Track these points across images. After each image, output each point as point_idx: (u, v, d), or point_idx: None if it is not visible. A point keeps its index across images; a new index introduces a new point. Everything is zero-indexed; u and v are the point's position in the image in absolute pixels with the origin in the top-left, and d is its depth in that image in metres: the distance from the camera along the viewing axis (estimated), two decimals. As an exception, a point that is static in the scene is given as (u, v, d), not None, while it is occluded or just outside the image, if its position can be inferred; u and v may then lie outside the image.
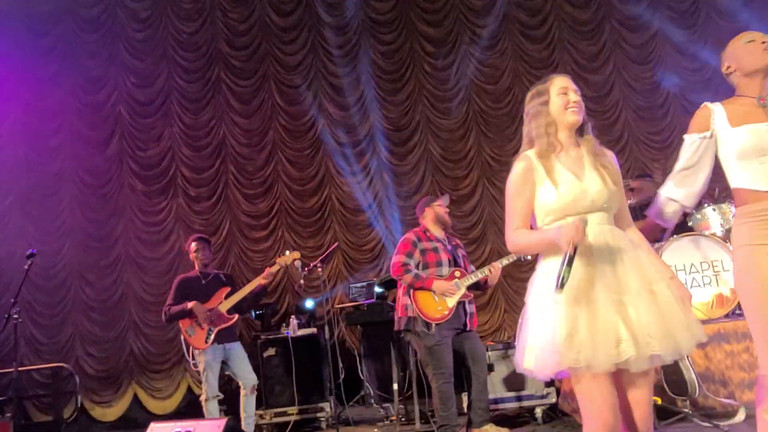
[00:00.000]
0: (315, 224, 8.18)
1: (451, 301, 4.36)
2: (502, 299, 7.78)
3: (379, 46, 8.46)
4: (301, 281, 5.93)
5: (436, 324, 4.32)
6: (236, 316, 4.97)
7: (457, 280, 4.40)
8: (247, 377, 4.95)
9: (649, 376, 2.12)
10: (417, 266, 4.48)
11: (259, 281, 4.96)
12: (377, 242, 7.99)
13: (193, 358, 4.94)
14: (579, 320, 1.99)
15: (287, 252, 5.12)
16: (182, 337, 4.98)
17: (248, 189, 8.24)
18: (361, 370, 6.11)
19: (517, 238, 2.22)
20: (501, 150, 8.19)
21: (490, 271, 4.41)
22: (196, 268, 5.19)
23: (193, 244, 5.19)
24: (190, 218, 8.12)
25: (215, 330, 4.87)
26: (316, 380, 5.84)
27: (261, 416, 5.80)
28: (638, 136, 8.08)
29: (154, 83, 8.31)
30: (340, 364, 6.17)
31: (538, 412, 4.72)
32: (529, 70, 8.29)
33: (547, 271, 2.15)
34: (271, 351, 5.80)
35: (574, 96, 2.31)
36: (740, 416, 3.90)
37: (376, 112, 8.34)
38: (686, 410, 3.96)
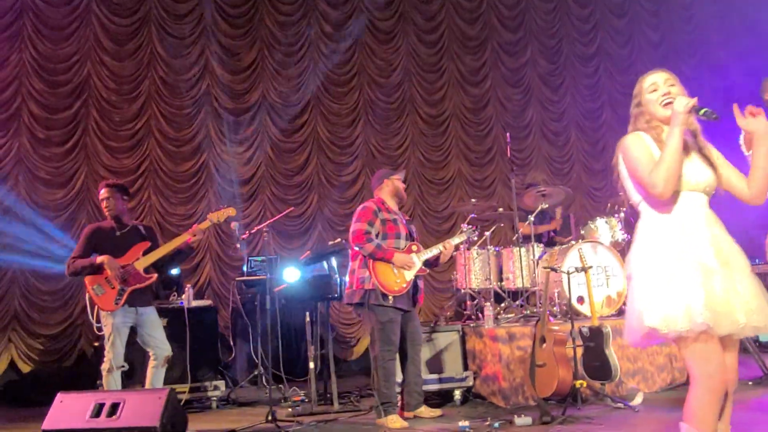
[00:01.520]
0: (188, 190, 7.52)
1: (409, 275, 4.37)
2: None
3: (278, 15, 8.11)
4: (238, 245, 5.39)
5: (393, 297, 4.30)
6: (154, 276, 4.37)
7: (414, 254, 4.44)
8: (160, 346, 4.38)
9: (737, 346, 2.42)
10: (376, 236, 4.43)
11: (184, 238, 4.41)
12: (254, 218, 7.61)
13: (98, 321, 4.23)
14: (714, 286, 2.21)
15: (221, 208, 4.61)
16: (87, 296, 4.24)
17: (113, 141, 7.28)
18: (254, 349, 5.76)
19: (656, 171, 2.31)
20: (386, 143, 8.38)
21: (444, 247, 4.51)
22: (108, 218, 4.47)
23: (102, 191, 4.46)
24: (34, 163, 6.91)
25: (128, 290, 4.23)
26: (211, 356, 5.39)
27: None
28: (504, 150, 8.83)
29: (3, -5, 6.93)
30: (232, 342, 5.75)
31: (457, 394, 4.93)
32: (419, 72, 8.62)
33: (653, 237, 2.33)
34: (163, 321, 5.19)
35: (664, 88, 2.48)
36: (639, 399, 4.53)
37: (267, 83, 7.97)
38: (604, 393, 4.49)
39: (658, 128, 2.50)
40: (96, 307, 4.20)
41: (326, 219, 7.98)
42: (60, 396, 3.64)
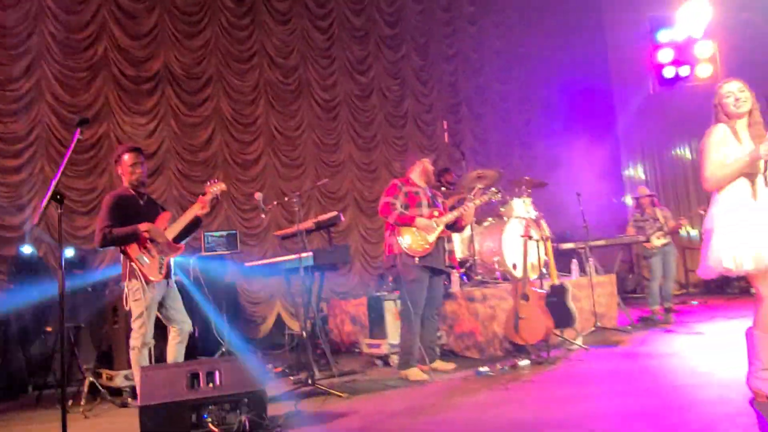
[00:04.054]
0: (86, 162, 6.79)
1: (431, 237, 4.83)
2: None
3: (178, -20, 7.67)
4: (263, 215, 5.11)
5: (420, 258, 4.74)
6: (183, 246, 4.16)
7: (435, 218, 4.91)
8: (184, 320, 4.17)
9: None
10: (401, 207, 4.85)
11: (196, 210, 4.26)
12: (159, 195, 7.16)
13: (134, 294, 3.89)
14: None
15: (215, 180, 4.50)
16: (130, 266, 3.86)
17: (-3, 101, 6.27)
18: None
19: (714, 174, 3.21)
20: (285, 124, 8.48)
21: (464, 209, 5.03)
22: (126, 185, 4.09)
23: (127, 156, 4.07)
24: None
25: (166, 259, 3.99)
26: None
27: (110, 378, 4.79)
28: (387, 137, 9.53)
29: None
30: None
31: (437, 350, 5.49)
32: (313, 56, 8.86)
33: (728, 201, 3.23)
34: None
35: (738, 94, 3.43)
36: (579, 340, 5.61)
37: (169, 52, 7.52)
38: (565, 338, 5.47)
39: (732, 122, 3.41)
40: (135, 279, 3.86)
41: (231, 198, 7.83)
42: (143, 371, 3.38)
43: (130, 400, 4.51)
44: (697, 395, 3.60)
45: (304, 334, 5.12)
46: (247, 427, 3.37)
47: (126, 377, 4.63)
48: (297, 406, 4.00)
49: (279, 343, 7.33)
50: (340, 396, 4.23)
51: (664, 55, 11.84)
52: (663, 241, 7.27)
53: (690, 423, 3.03)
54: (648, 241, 7.06)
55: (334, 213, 5.23)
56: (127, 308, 3.97)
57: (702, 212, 6.76)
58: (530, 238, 5.44)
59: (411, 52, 10.01)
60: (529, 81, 11.38)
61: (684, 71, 11.81)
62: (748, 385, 3.32)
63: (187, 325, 4.19)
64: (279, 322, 7.97)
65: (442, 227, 4.88)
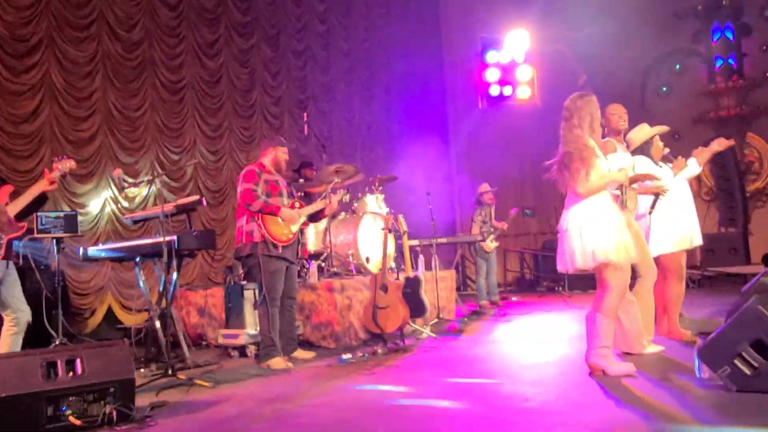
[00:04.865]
0: None
1: (295, 227, 4.79)
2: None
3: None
4: (125, 193, 4.50)
5: (283, 246, 4.68)
6: (25, 226, 3.69)
7: (298, 209, 4.86)
8: (21, 308, 3.71)
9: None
10: (263, 195, 4.72)
11: (42, 186, 3.85)
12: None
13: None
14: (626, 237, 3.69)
15: (65, 157, 4.12)
16: None
17: None
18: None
19: (589, 183, 3.67)
20: (126, 102, 7.86)
21: (329, 201, 5.04)
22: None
23: None
24: None
25: (5, 240, 3.52)
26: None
27: None
28: (233, 126, 9.26)
29: None
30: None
31: (295, 340, 5.46)
32: (159, 34, 8.33)
33: (597, 204, 3.71)
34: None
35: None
36: (428, 329, 5.95)
37: (-10, 6, 6.60)
38: (417, 327, 5.74)
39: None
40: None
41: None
42: (-15, 362, 2.93)
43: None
44: (542, 371, 4.05)
45: (158, 324, 4.83)
46: (114, 419, 3.11)
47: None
48: (158, 397, 3.77)
49: (108, 338, 6.75)
50: (204, 386, 4.06)
51: (492, 75, 13.05)
52: (496, 244, 8.02)
53: (541, 394, 3.41)
54: (484, 240, 7.71)
55: (196, 197, 4.99)
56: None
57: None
58: (390, 231, 5.68)
59: (262, 42, 9.83)
60: (371, 85, 11.79)
61: (507, 91, 13.10)
62: (587, 361, 3.82)
63: (26, 315, 3.75)
64: (110, 316, 7.36)
65: (304, 218, 4.90)
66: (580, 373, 3.78)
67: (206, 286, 6.90)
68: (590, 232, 3.68)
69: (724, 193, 10.52)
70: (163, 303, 4.93)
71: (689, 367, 3.68)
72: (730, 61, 11.95)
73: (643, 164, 4.62)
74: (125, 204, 7.52)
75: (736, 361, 3.16)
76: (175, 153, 8.37)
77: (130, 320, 7.28)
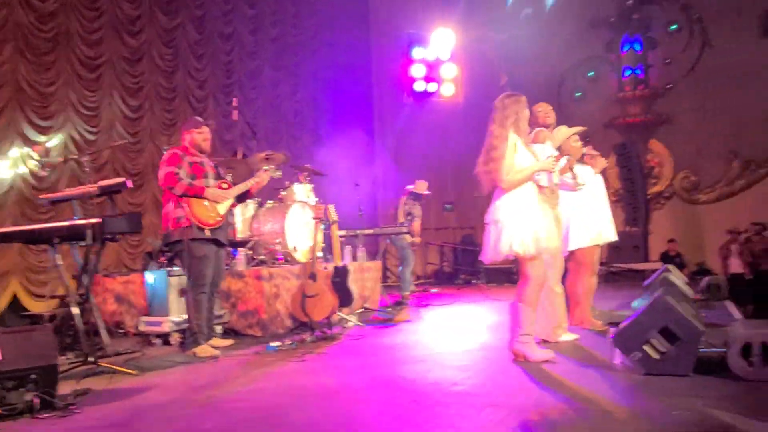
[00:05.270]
0: None
1: (222, 208, 4.70)
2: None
3: None
4: (45, 172, 4.14)
5: (210, 229, 4.59)
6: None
7: (225, 190, 4.77)
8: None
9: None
10: (186, 177, 4.61)
11: None
12: None
13: None
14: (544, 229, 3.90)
15: None
16: None
17: None
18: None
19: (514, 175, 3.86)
20: (38, 76, 7.41)
21: (259, 179, 4.94)
22: None
23: None
24: None
25: None
26: None
27: None
28: (155, 109, 8.92)
29: None
30: None
31: (218, 329, 5.36)
32: (76, 5, 7.90)
33: (519, 197, 3.90)
34: None
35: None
36: (354, 317, 6.02)
37: None
38: (344, 316, 5.79)
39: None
40: None
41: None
42: None
43: None
44: (467, 358, 4.22)
45: (75, 310, 4.61)
46: (36, 407, 2.98)
47: None
48: (79, 385, 3.62)
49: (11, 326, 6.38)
50: (129, 373, 3.94)
51: (417, 71, 13.27)
52: (418, 238, 8.24)
53: (469, 379, 3.57)
54: (409, 233, 7.88)
55: (121, 179, 4.79)
56: None
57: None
58: (321, 220, 5.69)
59: (188, 23, 9.52)
60: (299, 72, 11.70)
61: (432, 87, 13.37)
62: (510, 348, 4.02)
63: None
64: (14, 304, 6.94)
65: (232, 199, 4.84)
66: (504, 359, 3.98)
67: (124, 273, 6.64)
68: (512, 224, 3.87)
69: (629, 194, 11.25)
70: (82, 289, 4.72)
71: (602, 354, 3.96)
72: (638, 71, 12.77)
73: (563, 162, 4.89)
74: (36, 185, 7.09)
75: (645, 347, 3.43)
76: (91, 133, 7.98)
77: (38, 307, 6.90)
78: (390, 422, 2.77)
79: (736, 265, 9.75)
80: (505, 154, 3.86)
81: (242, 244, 6.37)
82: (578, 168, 4.96)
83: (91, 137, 7.93)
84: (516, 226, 3.86)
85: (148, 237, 7.43)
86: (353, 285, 5.81)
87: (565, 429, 2.59)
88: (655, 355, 3.40)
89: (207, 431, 2.75)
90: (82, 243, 4.54)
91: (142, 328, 5.25)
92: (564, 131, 4.87)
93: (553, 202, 4.33)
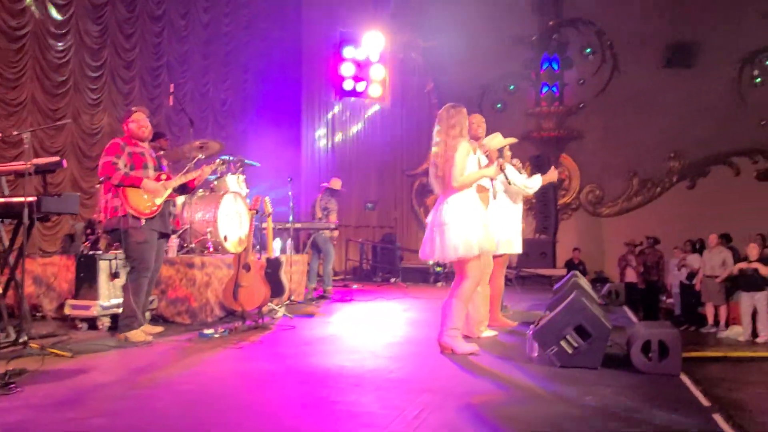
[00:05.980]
0: None
1: (159, 200, 4.69)
2: None
3: None
4: None
5: (146, 219, 4.59)
6: None
7: (164, 182, 4.76)
8: None
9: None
10: (125, 167, 4.60)
11: None
12: None
13: None
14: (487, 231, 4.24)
15: None
16: None
17: None
18: None
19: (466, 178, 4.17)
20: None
21: (200, 173, 4.97)
22: None
23: None
24: None
25: None
26: None
27: None
28: (80, 86, 8.62)
29: None
30: None
31: (147, 315, 5.30)
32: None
33: (460, 202, 4.20)
34: None
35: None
36: (282, 309, 6.14)
37: None
38: (273, 306, 5.89)
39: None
40: None
41: None
42: None
43: None
44: (398, 349, 4.49)
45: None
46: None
47: None
48: (10, 366, 3.56)
49: None
50: (63, 355, 3.89)
51: (347, 69, 13.48)
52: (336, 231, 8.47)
53: (404, 368, 3.84)
54: (336, 228, 8.06)
55: (57, 158, 4.67)
56: None
57: None
58: (257, 212, 5.78)
59: (117, 0, 9.26)
60: (228, 61, 11.61)
61: (361, 87, 13.62)
62: (439, 340, 4.31)
63: None
64: None
65: (170, 190, 4.86)
66: (433, 351, 4.27)
67: (46, 255, 6.42)
68: (457, 227, 4.18)
69: (542, 204, 11.99)
70: (5, 270, 4.57)
71: (520, 348, 4.34)
72: (554, 89, 13.62)
73: (509, 170, 5.26)
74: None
75: (561, 342, 3.83)
76: (10, 106, 7.62)
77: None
78: (343, 403, 2.96)
79: (631, 275, 10.66)
80: (456, 159, 4.16)
81: (173, 231, 6.32)
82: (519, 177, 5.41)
83: (7, 111, 7.58)
84: (462, 228, 4.16)
85: (70, 220, 7.19)
86: (284, 277, 5.93)
87: (500, 408, 2.90)
88: (570, 350, 3.81)
89: (160, 410, 2.83)
90: (8, 221, 4.45)
91: (68, 311, 5.13)
92: (500, 139, 5.24)
93: (486, 204, 4.69)
